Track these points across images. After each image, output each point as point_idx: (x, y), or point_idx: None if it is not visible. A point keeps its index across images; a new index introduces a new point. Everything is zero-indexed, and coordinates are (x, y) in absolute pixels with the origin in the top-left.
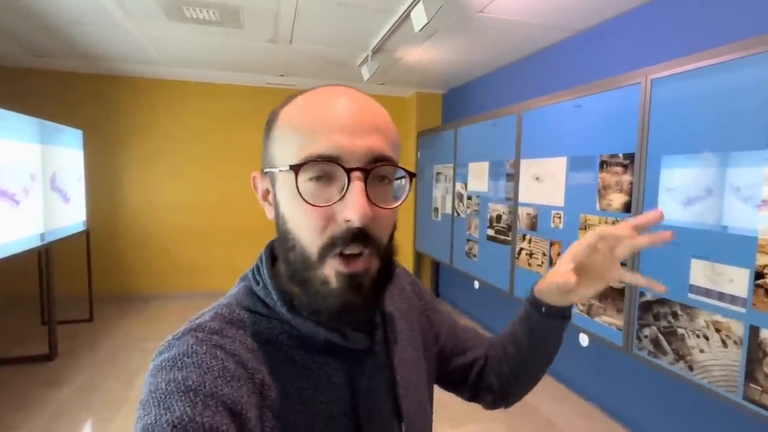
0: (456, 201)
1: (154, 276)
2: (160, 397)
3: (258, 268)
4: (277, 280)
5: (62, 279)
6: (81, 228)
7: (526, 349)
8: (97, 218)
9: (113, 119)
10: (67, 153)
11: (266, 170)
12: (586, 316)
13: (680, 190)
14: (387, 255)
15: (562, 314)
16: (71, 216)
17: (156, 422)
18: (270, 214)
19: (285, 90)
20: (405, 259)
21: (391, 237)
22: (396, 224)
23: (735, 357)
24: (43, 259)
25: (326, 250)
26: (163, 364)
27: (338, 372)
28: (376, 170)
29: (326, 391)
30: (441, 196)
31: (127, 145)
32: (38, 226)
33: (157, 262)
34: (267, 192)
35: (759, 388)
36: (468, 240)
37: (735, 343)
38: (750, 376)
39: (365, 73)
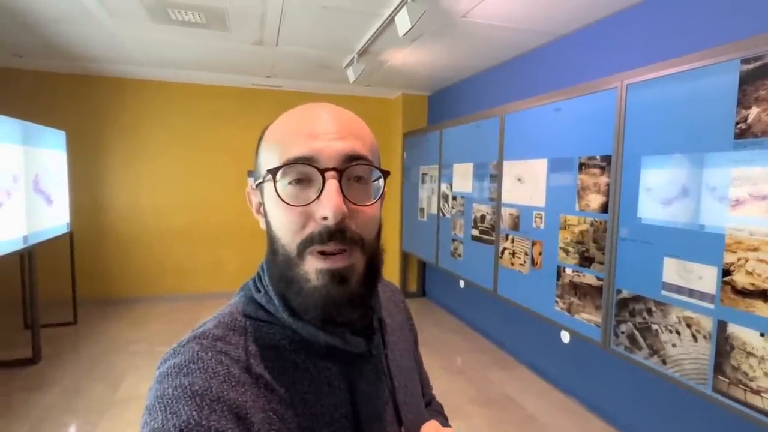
0: (441, 201)
1: (139, 278)
2: (167, 402)
3: (259, 276)
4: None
5: (45, 282)
6: (64, 230)
7: None
8: (81, 220)
9: (97, 120)
10: (50, 154)
11: (256, 183)
12: (567, 313)
13: (656, 190)
14: (372, 253)
15: None
16: (55, 218)
17: (163, 426)
18: (262, 224)
19: (271, 91)
20: (392, 258)
21: (378, 236)
22: (381, 223)
23: (704, 351)
24: (26, 261)
25: (304, 246)
26: (170, 371)
27: (338, 376)
28: (351, 170)
29: (327, 394)
30: (427, 196)
31: (112, 147)
32: (21, 229)
33: (142, 264)
34: (259, 204)
35: (726, 380)
36: (453, 240)
37: (704, 337)
38: (718, 369)
39: (351, 75)
